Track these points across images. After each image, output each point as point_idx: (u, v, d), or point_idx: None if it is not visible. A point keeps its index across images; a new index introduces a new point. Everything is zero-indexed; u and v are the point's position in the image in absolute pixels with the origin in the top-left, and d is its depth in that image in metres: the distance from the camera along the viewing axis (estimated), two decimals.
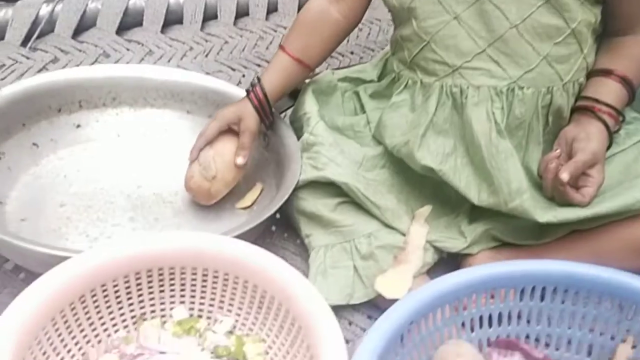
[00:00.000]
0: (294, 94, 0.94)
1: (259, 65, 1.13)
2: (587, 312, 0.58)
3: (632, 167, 0.71)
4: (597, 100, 0.71)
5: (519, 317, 0.59)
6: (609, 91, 0.72)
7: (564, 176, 0.65)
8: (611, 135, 0.71)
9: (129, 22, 1.19)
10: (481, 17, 0.73)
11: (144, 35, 1.16)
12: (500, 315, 0.59)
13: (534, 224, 0.69)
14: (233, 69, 1.12)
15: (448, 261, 0.74)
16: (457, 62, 0.72)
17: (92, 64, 1.07)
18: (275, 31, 1.23)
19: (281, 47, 0.81)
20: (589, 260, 0.65)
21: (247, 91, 0.79)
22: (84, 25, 1.15)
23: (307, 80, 0.91)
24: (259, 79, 0.79)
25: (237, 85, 1.07)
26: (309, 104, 0.83)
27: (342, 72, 0.91)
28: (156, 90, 0.91)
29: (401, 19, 0.79)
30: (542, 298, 0.58)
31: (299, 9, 1.30)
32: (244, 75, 1.10)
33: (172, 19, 1.22)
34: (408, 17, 0.77)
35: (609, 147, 0.71)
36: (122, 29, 1.17)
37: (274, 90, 0.79)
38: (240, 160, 0.77)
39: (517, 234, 0.72)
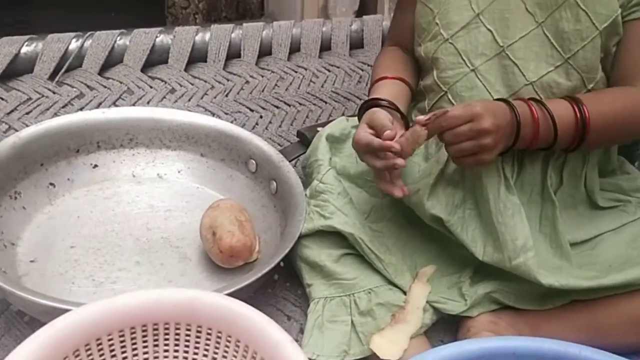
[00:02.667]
0: (306, 141, 0.95)
1: (277, 107, 1.15)
2: None
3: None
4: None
5: None
6: (550, 101, 0.69)
7: (420, 118, 0.65)
8: (519, 129, 0.66)
9: (155, 60, 1.22)
10: (499, 72, 0.74)
11: (167, 72, 1.19)
12: None
13: (536, 288, 0.69)
14: (251, 110, 1.13)
15: (447, 320, 0.74)
16: None
17: (116, 100, 1.10)
18: (296, 72, 1.25)
19: (373, 82, 0.81)
20: (589, 333, 0.64)
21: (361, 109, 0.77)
22: (111, 61, 1.19)
23: (319, 128, 0.92)
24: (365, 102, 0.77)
25: (254, 127, 1.09)
26: (322, 151, 0.84)
27: (356, 119, 0.92)
28: (172, 132, 0.93)
29: (426, 69, 0.81)
30: None
31: (321, 50, 1.32)
32: (261, 117, 1.12)
33: (197, 57, 1.24)
34: (431, 67, 0.79)
35: (513, 145, 0.67)
36: (148, 66, 1.20)
37: (386, 96, 0.75)
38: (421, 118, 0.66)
39: (518, 298, 0.71)
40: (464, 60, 0.75)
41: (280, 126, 1.10)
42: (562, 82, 0.71)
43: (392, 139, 0.66)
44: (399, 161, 0.65)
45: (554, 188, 0.73)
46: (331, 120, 0.93)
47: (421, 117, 0.65)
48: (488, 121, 0.62)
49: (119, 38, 1.20)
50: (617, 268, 0.67)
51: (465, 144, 0.64)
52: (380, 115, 0.70)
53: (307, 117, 1.13)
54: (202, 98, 1.14)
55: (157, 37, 1.22)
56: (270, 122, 1.11)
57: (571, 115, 0.67)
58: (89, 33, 1.19)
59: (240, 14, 3.25)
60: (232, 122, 1.09)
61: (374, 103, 0.73)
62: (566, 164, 0.73)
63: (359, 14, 1.99)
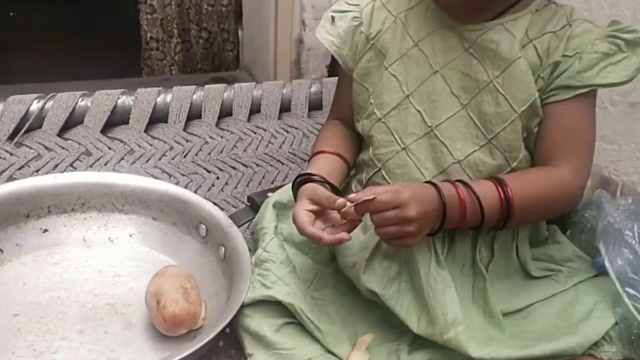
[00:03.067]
0: (255, 207, 0.97)
1: (234, 168, 1.17)
2: None
3: (569, 310, 0.72)
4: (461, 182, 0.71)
5: None
6: (476, 183, 0.72)
7: (351, 196, 0.68)
8: (445, 212, 0.68)
9: (117, 120, 1.24)
10: (428, 150, 0.77)
11: (127, 133, 1.21)
12: None
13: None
14: (208, 171, 1.16)
15: None
16: None
17: (73, 162, 1.12)
18: (255, 133, 1.28)
19: (312, 155, 0.85)
20: None
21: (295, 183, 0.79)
22: (72, 122, 1.20)
23: (269, 194, 0.94)
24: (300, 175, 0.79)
25: (209, 188, 1.11)
26: (267, 219, 0.86)
27: None
28: (124, 196, 0.95)
29: (365, 144, 0.84)
30: None
31: (280, 111, 1.35)
32: (217, 178, 1.14)
33: (158, 118, 1.27)
34: (368, 143, 0.82)
35: (440, 228, 0.70)
36: (109, 127, 1.22)
37: (321, 173, 0.78)
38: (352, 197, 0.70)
39: None
40: (395, 139, 0.78)
41: (235, 187, 1.12)
42: (488, 160, 0.75)
43: (344, 206, 0.69)
44: (345, 236, 0.69)
45: (486, 260, 0.76)
46: (283, 185, 0.96)
47: (352, 196, 0.67)
48: (413, 209, 0.65)
49: (80, 99, 1.22)
50: (546, 338, 0.69)
51: (390, 228, 0.66)
52: (322, 189, 0.73)
53: (263, 178, 1.16)
54: (160, 159, 1.17)
55: (118, 98, 1.25)
56: (226, 184, 1.13)
57: (496, 197, 0.70)
58: (50, 94, 1.21)
59: (216, 66, 3.30)
60: (188, 183, 1.11)
61: (307, 178, 0.76)
62: (496, 238, 0.76)
63: (331, 68, 2.04)
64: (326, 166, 0.81)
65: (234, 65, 3.38)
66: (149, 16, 3.02)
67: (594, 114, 0.76)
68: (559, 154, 0.74)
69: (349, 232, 0.71)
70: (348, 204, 0.68)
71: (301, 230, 0.71)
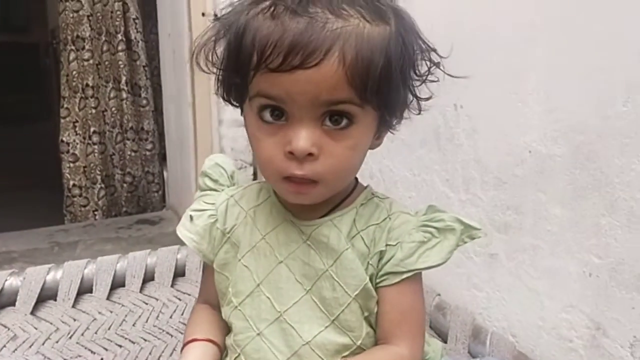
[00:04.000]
0: None
1: (120, 346, 1.18)
2: None
3: None
4: None
5: None
6: None
7: None
8: None
9: (4, 302, 1.25)
10: (280, 334, 0.82)
11: (13, 317, 1.21)
12: None
13: None
14: (93, 352, 1.16)
15: None
16: None
17: None
18: (147, 303, 1.30)
19: (184, 344, 0.86)
20: None
21: None
22: None
23: None
24: None
25: None
26: None
27: None
28: None
29: (229, 329, 0.88)
30: None
31: (174, 276, 1.39)
32: (102, 359, 1.14)
33: (48, 295, 1.28)
34: (230, 329, 0.86)
35: None
36: None
37: None
38: None
39: None
40: (251, 325, 0.83)
41: None
42: (334, 339, 0.80)
43: None
44: None
45: None
46: None
47: None
48: None
49: None
50: None
51: None
52: None
53: (150, 354, 1.17)
54: (43, 344, 1.16)
55: (6, 280, 1.26)
56: None
57: None
58: None
59: (142, 208, 3.35)
60: None
61: None
62: None
63: None
64: (199, 354, 0.84)
65: (160, 206, 3.43)
66: (71, 164, 3.08)
67: (422, 291, 0.84)
68: (397, 332, 0.81)
69: None
70: None
71: None
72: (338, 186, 0.78)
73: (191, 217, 0.91)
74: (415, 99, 0.79)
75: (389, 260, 0.81)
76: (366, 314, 0.82)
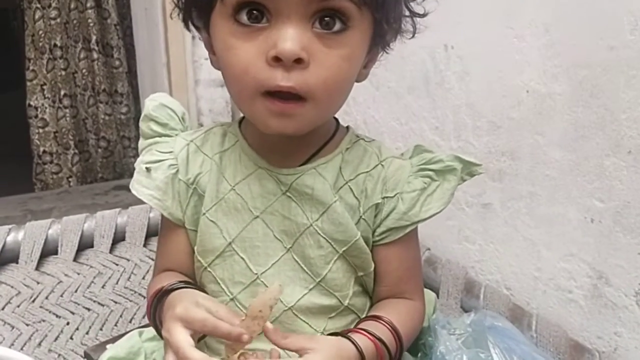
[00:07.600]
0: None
1: (88, 309, 1.10)
2: None
3: None
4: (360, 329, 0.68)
5: None
6: (376, 328, 0.69)
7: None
8: None
9: None
10: None
11: None
12: None
13: None
14: (58, 316, 1.07)
15: None
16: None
17: None
18: (117, 264, 1.22)
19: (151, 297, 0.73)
20: None
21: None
22: None
23: (107, 345, 0.87)
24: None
25: (57, 337, 1.03)
26: None
27: (151, 330, 0.87)
28: None
29: None
30: None
31: (147, 236, 1.30)
32: (68, 323, 1.06)
33: (9, 258, 1.19)
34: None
35: None
36: None
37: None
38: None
39: None
40: (223, 289, 0.74)
41: (87, 333, 1.04)
42: (319, 302, 0.72)
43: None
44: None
45: None
46: (125, 334, 0.88)
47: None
48: None
49: None
50: None
51: None
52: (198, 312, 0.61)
53: (120, 316, 1.08)
54: (2, 309, 1.07)
55: None
56: (77, 329, 1.05)
57: (390, 336, 0.68)
58: None
59: (118, 174, 3.23)
60: (33, 334, 1.02)
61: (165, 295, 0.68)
62: None
63: None
64: (178, 276, 0.74)
65: None
66: (40, 130, 2.94)
67: (418, 238, 0.77)
68: (406, 288, 0.75)
69: None
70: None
71: None
72: (329, 110, 0.67)
73: (147, 170, 0.75)
74: (411, 15, 0.69)
75: (389, 215, 0.72)
76: (361, 273, 0.74)
